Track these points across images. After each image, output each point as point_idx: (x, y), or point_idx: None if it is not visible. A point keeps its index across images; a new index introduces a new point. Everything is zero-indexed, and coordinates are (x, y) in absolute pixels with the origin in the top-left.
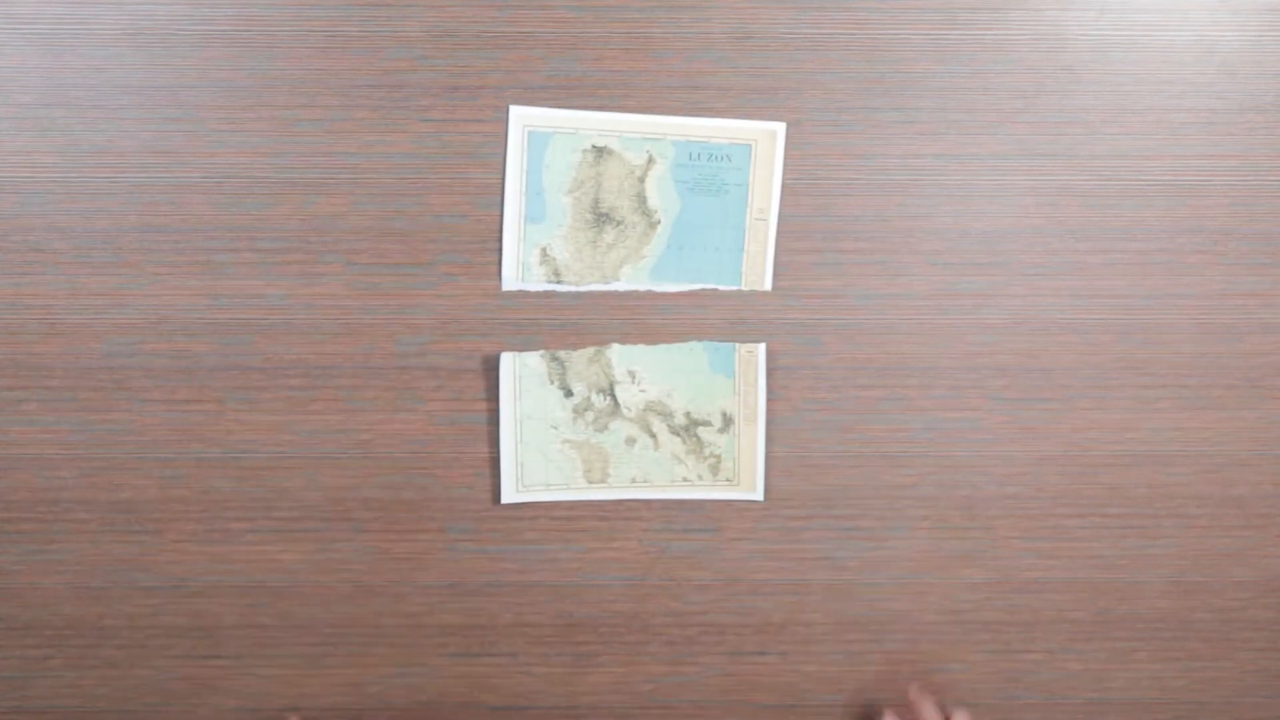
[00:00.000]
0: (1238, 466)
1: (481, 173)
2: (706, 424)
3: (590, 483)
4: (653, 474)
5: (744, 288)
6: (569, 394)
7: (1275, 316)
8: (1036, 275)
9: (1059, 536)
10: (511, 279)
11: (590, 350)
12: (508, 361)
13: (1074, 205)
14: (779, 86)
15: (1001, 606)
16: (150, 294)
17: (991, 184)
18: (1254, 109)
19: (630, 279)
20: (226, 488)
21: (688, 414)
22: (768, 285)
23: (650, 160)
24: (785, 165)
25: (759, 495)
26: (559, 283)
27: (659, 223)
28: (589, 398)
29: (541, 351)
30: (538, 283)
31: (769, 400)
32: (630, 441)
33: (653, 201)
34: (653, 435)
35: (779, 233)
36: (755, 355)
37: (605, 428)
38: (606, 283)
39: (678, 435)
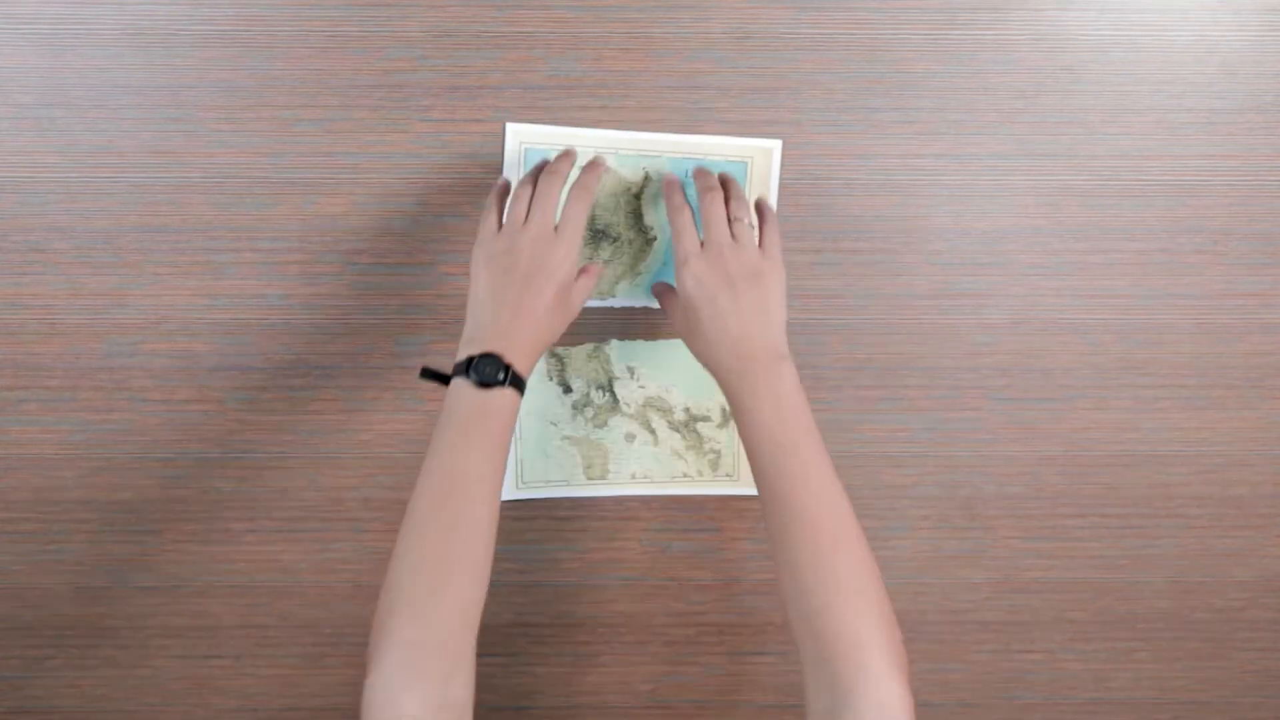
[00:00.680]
0: (1238, 466)
1: (481, 173)
2: (706, 419)
3: (590, 479)
4: (653, 470)
5: None
6: (568, 390)
7: (1275, 316)
8: (1036, 275)
9: (1059, 536)
10: None
11: (589, 346)
12: None
13: (1074, 205)
14: (779, 86)
15: (1001, 606)
16: (150, 294)
17: (991, 184)
18: (1254, 109)
19: (627, 295)
20: (226, 488)
21: (687, 409)
22: None
23: (647, 177)
24: (785, 165)
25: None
26: None
27: (654, 239)
28: (588, 394)
29: None
30: None
31: None
32: (630, 438)
33: (648, 218)
34: (652, 431)
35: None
36: None
37: (605, 424)
38: (603, 299)
39: (677, 431)
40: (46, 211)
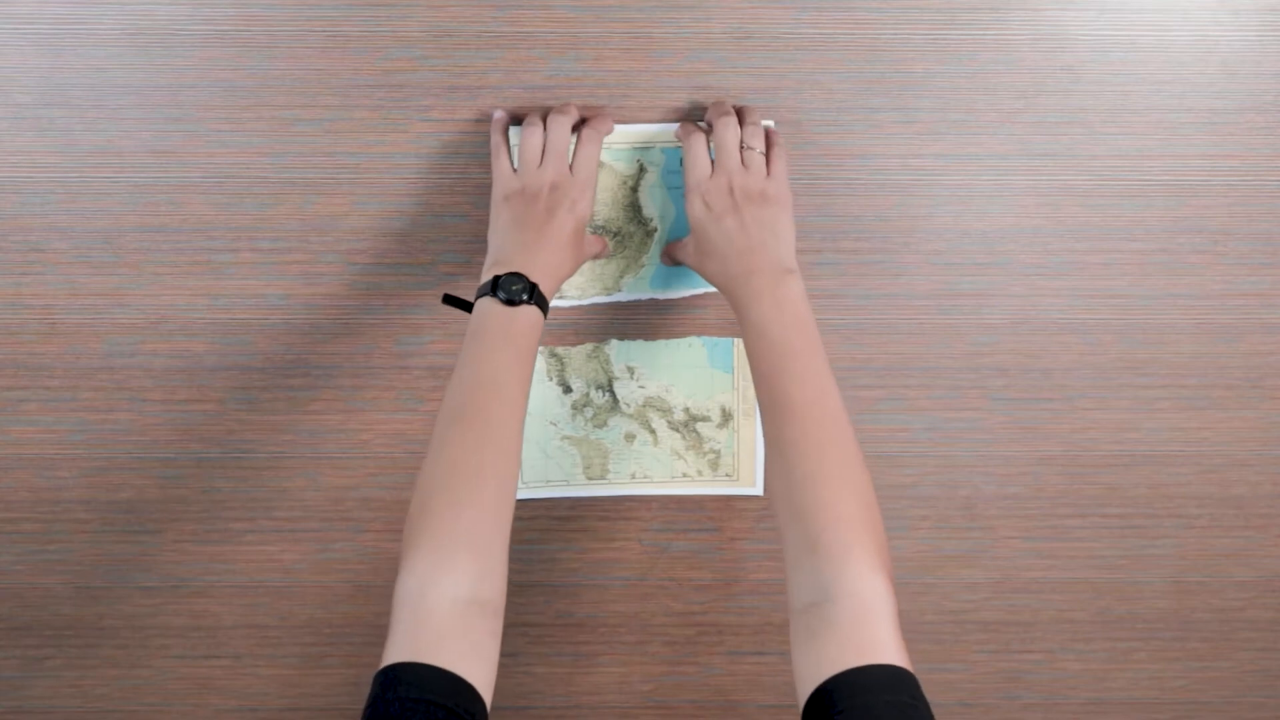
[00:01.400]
0: (1237, 466)
1: (481, 173)
2: (705, 419)
3: (590, 479)
4: (652, 470)
5: None
6: (568, 390)
7: (1275, 316)
8: (1036, 275)
9: (1059, 536)
10: None
11: (589, 346)
12: None
13: (1074, 205)
14: (779, 86)
15: (1001, 606)
16: (150, 294)
17: (991, 184)
18: (1254, 109)
19: (632, 289)
20: (226, 488)
21: (687, 409)
22: None
23: (641, 169)
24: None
25: (758, 490)
26: (561, 299)
27: (655, 230)
28: (588, 394)
29: (540, 348)
30: None
31: None
32: (629, 438)
33: (647, 210)
34: (652, 431)
35: None
36: None
37: (604, 424)
38: (609, 295)
39: (677, 431)
40: (46, 211)
